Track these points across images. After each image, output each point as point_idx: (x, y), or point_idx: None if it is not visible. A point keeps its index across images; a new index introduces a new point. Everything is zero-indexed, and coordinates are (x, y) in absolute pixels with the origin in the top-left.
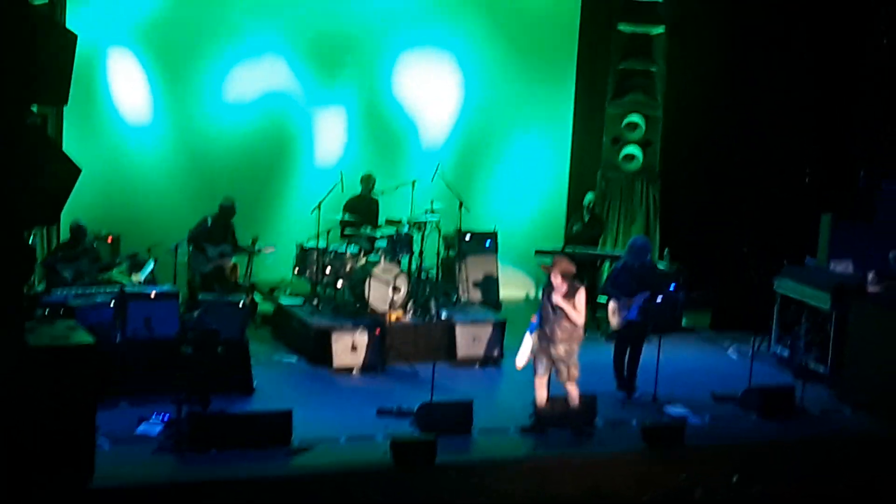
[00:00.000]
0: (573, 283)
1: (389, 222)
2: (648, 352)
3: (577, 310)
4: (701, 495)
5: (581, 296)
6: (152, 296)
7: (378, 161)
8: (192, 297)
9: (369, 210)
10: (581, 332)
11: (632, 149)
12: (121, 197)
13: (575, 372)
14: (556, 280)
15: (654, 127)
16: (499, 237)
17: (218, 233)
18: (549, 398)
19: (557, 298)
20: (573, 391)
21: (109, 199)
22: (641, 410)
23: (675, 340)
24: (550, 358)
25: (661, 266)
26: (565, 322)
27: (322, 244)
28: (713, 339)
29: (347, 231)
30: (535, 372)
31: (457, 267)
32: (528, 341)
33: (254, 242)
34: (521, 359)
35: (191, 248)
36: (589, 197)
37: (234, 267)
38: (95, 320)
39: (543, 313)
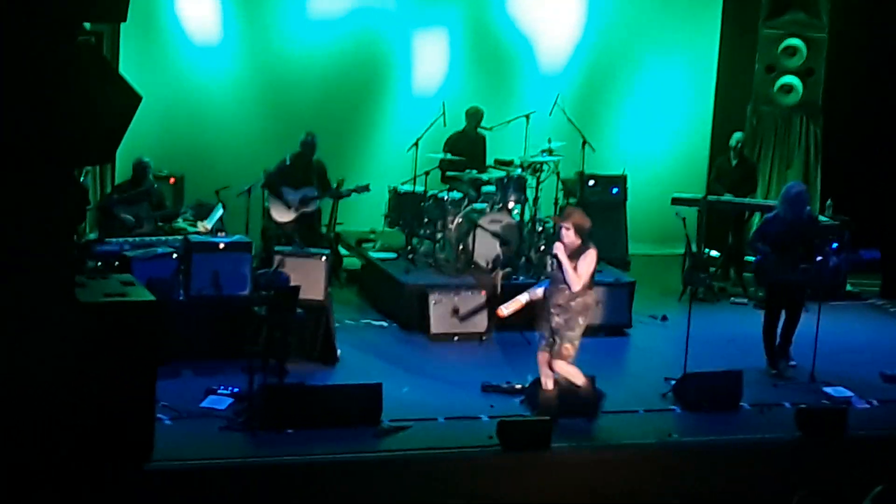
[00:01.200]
0: (586, 241)
1: (499, 164)
2: (806, 322)
3: (577, 271)
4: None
5: (590, 259)
6: (221, 247)
7: (486, 91)
8: (267, 249)
9: (475, 149)
10: (582, 302)
11: (789, 79)
12: (185, 131)
13: (567, 350)
14: (568, 235)
15: (818, 52)
16: (628, 182)
17: (299, 174)
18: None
19: (559, 251)
20: (560, 369)
21: (172, 134)
22: (795, 391)
23: (837, 309)
24: (550, 327)
25: (823, 220)
26: (562, 284)
27: (419, 188)
28: (883, 309)
29: (449, 174)
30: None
31: None
32: (527, 295)
33: (339, 185)
34: (507, 306)
35: (266, 193)
36: (737, 136)
37: (317, 214)
38: (155, 274)
39: (549, 274)
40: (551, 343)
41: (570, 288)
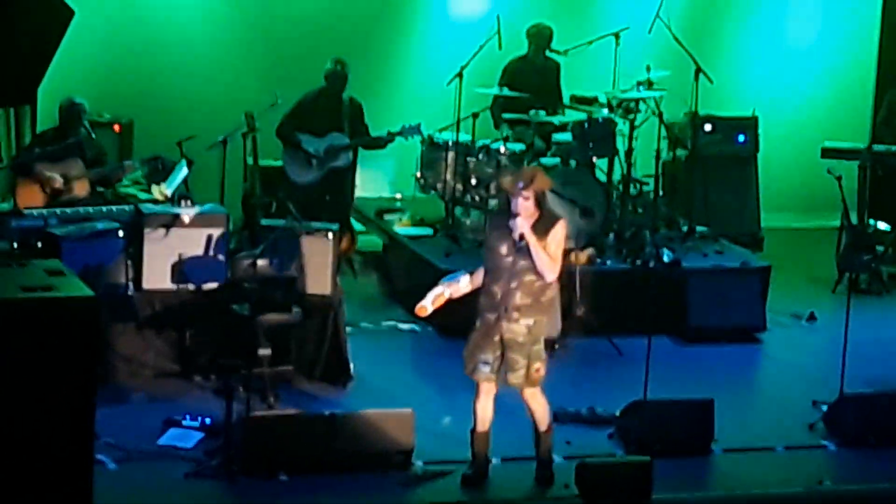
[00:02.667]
0: (550, 211)
1: (577, 102)
2: None
3: (551, 255)
4: None
5: (561, 233)
6: (186, 220)
7: (558, 2)
8: (251, 223)
9: (544, 82)
10: (550, 297)
11: None
12: (135, 62)
13: (540, 372)
14: (527, 206)
15: None
16: (760, 128)
17: (323, 118)
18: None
19: (524, 226)
20: (538, 407)
21: (116, 66)
22: None
23: None
24: (499, 346)
25: None
26: (529, 275)
27: (464, 137)
28: None
29: (507, 116)
30: (472, 375)
31: (690, 178)
32: (445, 286)
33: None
34: (426, 302)
35: (283, 146)
36: None
37: (350, 173)
38: (94, 260)
39: (490, 262)
40: (498, 367)
41: (541, 278)
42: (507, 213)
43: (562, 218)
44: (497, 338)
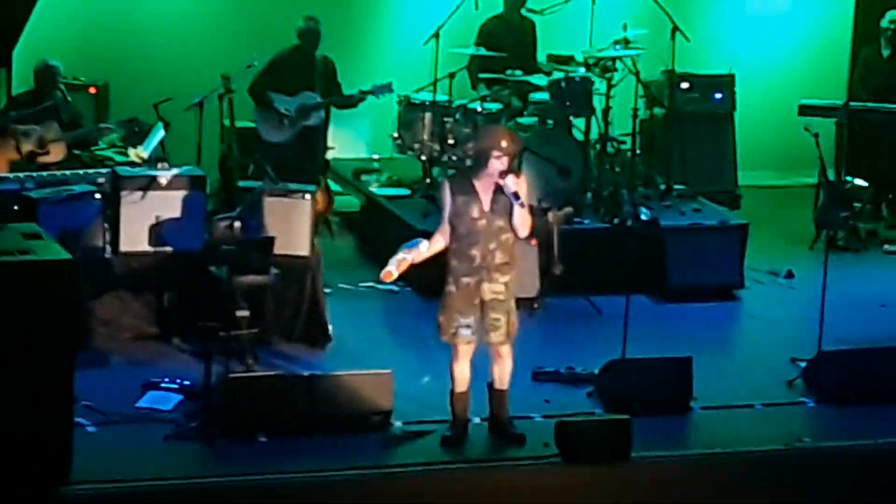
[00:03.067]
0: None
1: (554, 61)
2: None
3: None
4: None
5: (525, 186)
6: (163, 183)
7: None
8: (228, 185)
9: (520, 41)
10: (517, 252)
11: None
12: (110, 24)
13: (515, 323)
14: (504, 163)
15: None
16: (737, 86)
17: (295, 76)
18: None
19: (520, 184)
20: (510, 363)
21: (91, 28)
22: None
23: None
24: (479, 308)
25: None
26: (506, 233)
27: (441, 97)
28: None
29: (483, 76)
30: (451, 340)
31: (667, 136)
32: (406, 253)
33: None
34: (390, 268)
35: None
36: (892, 15)
37: (322, 132)
38: (71, 223)
39: (462, 227)
40: (477, 328)
41: (515, 235)
42: (471, 175)
43: (523, 176)
44: (477, 300)
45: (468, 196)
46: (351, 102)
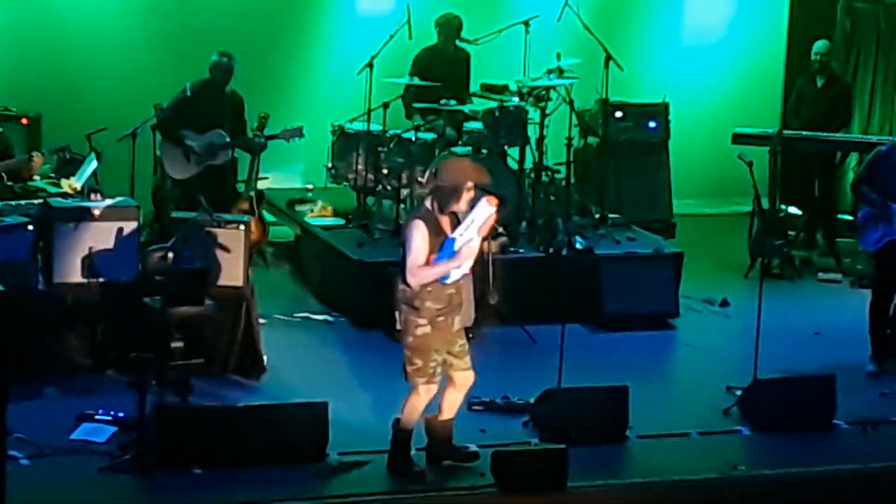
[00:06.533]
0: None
1: (488, 90)
2: None
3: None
4: None
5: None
6: (96, 214)
7: None
8: (162, 216)
9: (454, 71)
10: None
11: None
12: (42, 54)
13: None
14: (472, 192)
15: None
16: (671, 114)
17: (206, 112)
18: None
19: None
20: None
21: (23, 58)
22: None
23: None
24: (447, 342)
25: None
26: (470, 261)
27: (375, 127)
28: None
29: (418, 105)
30: (429, 381)
31: (602, 165)
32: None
33: (262, 125)
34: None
35: (159, 138)
36: (818, 47)
37: (229, 167)
38: (4, 254)
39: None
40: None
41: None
42: (438, 211)
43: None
44: (448, 335)
45: (440, 236)
46: (257, 147)
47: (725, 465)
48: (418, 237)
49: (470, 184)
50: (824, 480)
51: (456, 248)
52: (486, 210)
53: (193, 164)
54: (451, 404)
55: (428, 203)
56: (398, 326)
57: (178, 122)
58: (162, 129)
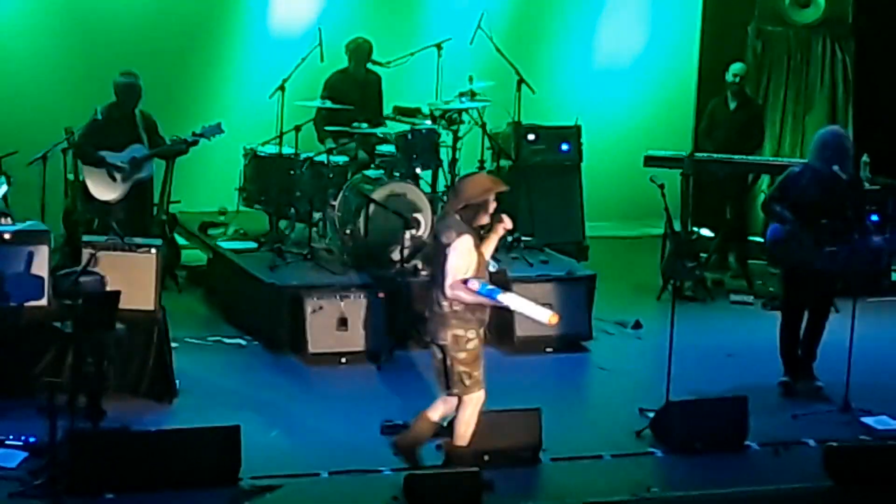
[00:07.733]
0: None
1: (400, 113)
2: (836, 325)
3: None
4: None
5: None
6: (6, 238)
7: (379, 15)
8: (72, 240)
9: (365, 94)
10: None
11: None
12: None
13: None
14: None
15: None
16: (584, 137)
17: (118, 132)
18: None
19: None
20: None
21: None
22: (823, 423)
23: (880, 307)
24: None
25: None
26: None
27: (287, 150)
28: None
29: (329, 128)
30: (480, 388)
31: (514, 187)
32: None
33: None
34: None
35: (77, 163)
36: (735, 69)
37: (149, 186)
38: None
39: (481, 275)
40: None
41: None
42: (475, 222)
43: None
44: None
45: (477, 249)
46: (181, 148)
47: (638, 487)
48: (466, 252)
49: (493, 194)
50: (737, 502)
51: (499, 298)
52: (542, 316)
53: (121, 182)
54: (446, 410)
55: (459, 218)
56: (441, 342)
57: (94, 145)
58: (80, 155)
